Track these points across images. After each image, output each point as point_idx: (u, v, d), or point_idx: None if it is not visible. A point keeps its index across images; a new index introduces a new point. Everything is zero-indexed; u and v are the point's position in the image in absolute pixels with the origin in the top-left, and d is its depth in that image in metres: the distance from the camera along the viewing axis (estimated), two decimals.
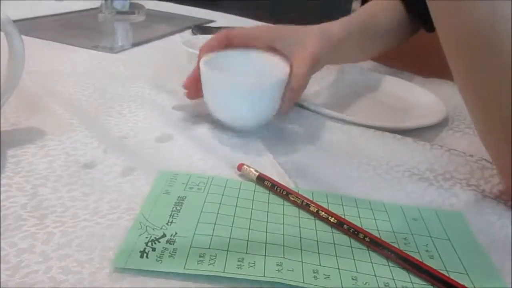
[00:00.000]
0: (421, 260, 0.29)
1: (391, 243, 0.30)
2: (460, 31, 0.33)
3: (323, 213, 0.33)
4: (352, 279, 0.27)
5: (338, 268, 0.28)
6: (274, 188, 0.35)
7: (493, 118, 0.35)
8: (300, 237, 0.31)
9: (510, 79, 0.31)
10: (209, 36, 0.48)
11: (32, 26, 0.76)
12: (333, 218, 0.32)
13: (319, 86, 0.60)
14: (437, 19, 0.34)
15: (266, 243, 0.30)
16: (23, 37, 0.37)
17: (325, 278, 0.27)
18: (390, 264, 0.29)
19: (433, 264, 0.29)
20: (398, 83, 0.63)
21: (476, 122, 0.37)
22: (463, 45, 0.33)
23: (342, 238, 0.31)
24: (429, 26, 0.59)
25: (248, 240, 0.30)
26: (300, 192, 0.35)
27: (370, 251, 0.30)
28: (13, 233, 0.28)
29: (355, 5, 1.49)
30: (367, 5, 0.60)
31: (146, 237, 0.29)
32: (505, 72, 0.31)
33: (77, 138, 0.41)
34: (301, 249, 0.29)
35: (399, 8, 0.60)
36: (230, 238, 0.30)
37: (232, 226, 0.31)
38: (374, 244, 0.30)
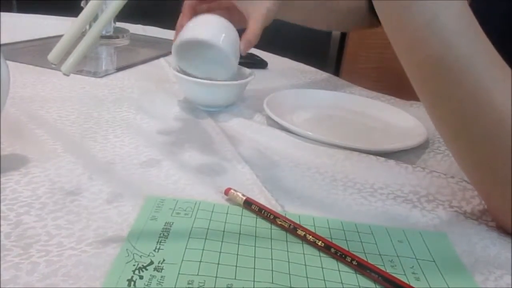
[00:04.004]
0: (408, 283, 0.29)
1: (378, 266, 0.30)
2: (418, 67, 0.34)
3: (310, 236, 0.33)
4: None
5: None
6: (262, 212, 0.35)
7: (462, 146, 0.36)
8: (288, 261, 0.31)
9: (471, 110, 0.33)
10: None
11: (13, 51, 0.75)
12: (320, 242, 0.32)
13: (304, 110, 0.61)
14: (398, 54, 0.35)
15: (254, 268, 0.30)
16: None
17: None
18: (378, 287, 0.29)
19: (420, 286, 0.29)
20: (380, 106, 0.64)
21: (448, 148, 0.39)
22: (424, 79, 0.35)
23: (329, 262, 0.31)
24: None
25: (236, 266, 0.30)
26: (287, 216, 0.35)
27: (357, 275, 0.30)
28: None
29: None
30: None
31: (134, 265, 0.29)
32: (466, 104, 0.33)
33: (61, 164, 0.40)
34: (289, 274, 0.30)
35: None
36: (218, 264, 0.30)
37: (220, 252, 0.31)
38: (362, 267, 0.30)
